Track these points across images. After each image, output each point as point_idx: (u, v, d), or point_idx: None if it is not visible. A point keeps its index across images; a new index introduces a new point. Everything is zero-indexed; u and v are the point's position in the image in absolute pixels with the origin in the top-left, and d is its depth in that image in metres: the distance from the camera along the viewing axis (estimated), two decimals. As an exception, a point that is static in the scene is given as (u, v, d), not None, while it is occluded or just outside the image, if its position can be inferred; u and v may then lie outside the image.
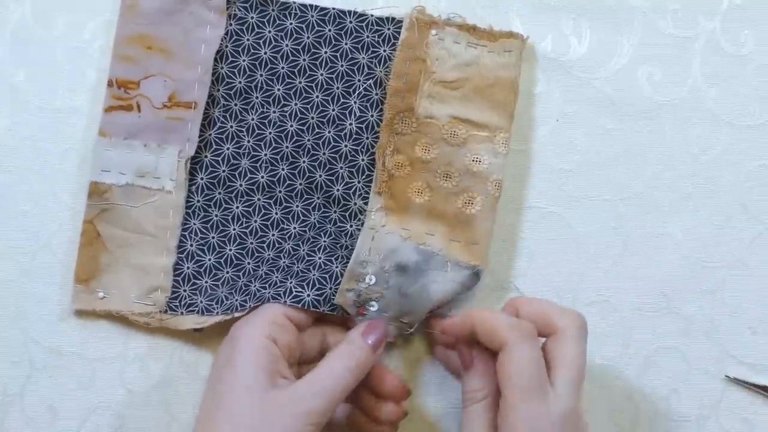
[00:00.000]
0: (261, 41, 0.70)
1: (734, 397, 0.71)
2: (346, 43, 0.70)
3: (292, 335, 0.65)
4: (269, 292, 0.67)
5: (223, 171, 0.70)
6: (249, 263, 0.70)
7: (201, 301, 0.69)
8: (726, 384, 0.71)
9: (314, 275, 0.67)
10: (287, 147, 0.70)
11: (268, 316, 0.65)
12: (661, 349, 0.71)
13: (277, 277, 0.68)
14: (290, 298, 0.66)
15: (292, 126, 0.70)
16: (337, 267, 0.68)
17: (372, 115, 0.70)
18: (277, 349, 0.63)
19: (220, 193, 0.70)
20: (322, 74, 0.70)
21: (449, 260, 0.67)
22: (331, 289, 0.67)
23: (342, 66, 0.70)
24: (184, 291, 0.70)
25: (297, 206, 0.70)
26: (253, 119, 0.70)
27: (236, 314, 0.67)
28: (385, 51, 0.70)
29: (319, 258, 0.69)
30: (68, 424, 0.70)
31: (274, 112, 0.70)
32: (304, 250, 0.69)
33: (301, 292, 0.66)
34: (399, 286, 0.67)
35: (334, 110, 0.70)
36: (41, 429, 0.70)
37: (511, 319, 0.61)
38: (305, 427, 0.60)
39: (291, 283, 0.67)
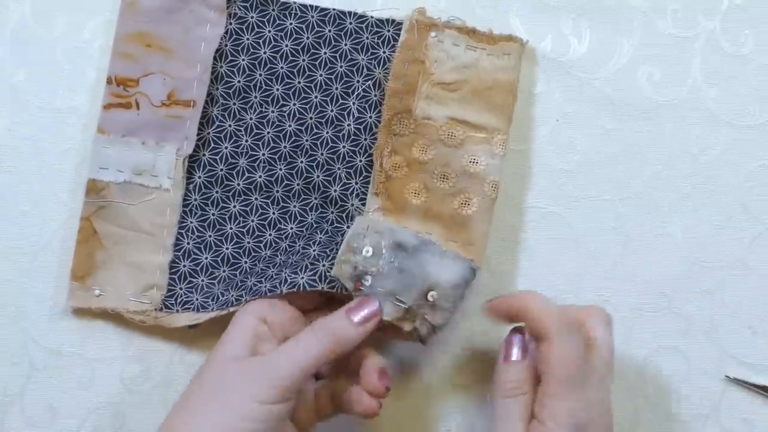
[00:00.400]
0: (261, 41, 0.70)
1: (734, 397, 0.71)
2: (345, 44, 0.70)
3: (285, 315, 0.66)
4: (265, 286, 0.67)
5: (221, 170, 0.70)
6: (246, 262, 0.70)
7: (197, 299, 0.70)
8: (726, 384, 0.71)
9: (307, 262, 0.67)
10: (285, 147, 0.70)
11: (265, 299, 0.66)
12: (661, 349, 0.71)
13: (273, 271, 0.69)
14: (286, 286, 0.66)
15: (290, 126, 0.70)
16: (331, 251, 0.67)
17: (370, 116, 0.70)
18: (265, 327, 0.64)
19: (217, 192, 0.71)
20: (321, 75, 0.70)
21: (447, 250, 0.67)
22: (324, 266, 0.66)
23: (341, 67, 0.70)
24: (180, 289, 0.70)
25: (294, 206, 0.71)
26: (251, 119, 0.71)
27: (231, 309, 0.67)
28: (384, 52, 0.70)
29: (314, 250, 0.69)
30: (68, 424, 0.70)
31: (273, 111, 0.70)
32: (299, 245, 0.70)
33: (294, 277, 0.66)
34: (396, 261, 0.66)
35: (332, 111, 0.70)
36: (41, 429, 0.70)
37: (556, 309, 0.62)
38: (273, 392, 0.60)
39: (285, 273, 0.67)
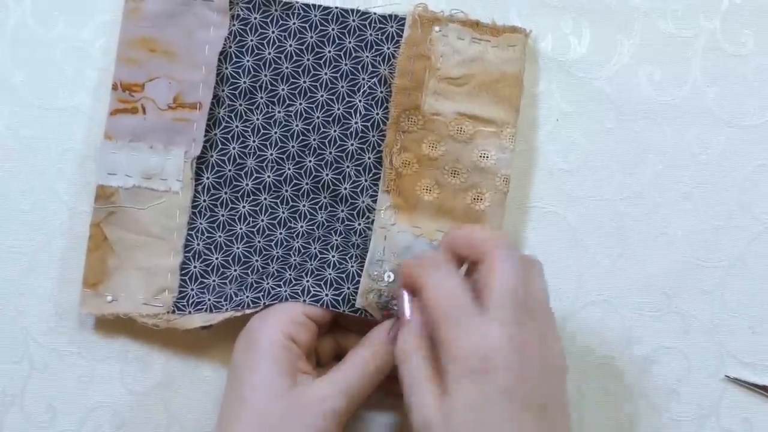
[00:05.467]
0: (265, 41, 0.73)
1: (734, 397, 0.74)
2: (349, 42, 0.73)
3: (311, 332, 0.68)
4: (286, 291, 0.70)
5: (229, 171, 0.73)
6: (257, 261, 0.73)
7: (209, 299, 0.72)
8: (726, 384, 0.74)
9: (330, 274, 0.71)
10: (293, 146, 0.73)
11: (287, 315, 0.68)
12: (661, 349, 0.74)
13: (290, 274, 0.71)
14: (309, 297, 0.69)
15: (297, 125, 0.73)
16: (352, 266, 0.71)
17: (377, 113, 0.73)
18: (296, 348, 0.66)
19: (226, 193, 0.73)
20: (326, 73, 0.73)
21: None
22: (348, 289, 0.70)
23: (346, 65, 0.73)
24: (192, 290, 0.72)
25: (304, 205, 0.73)
26: (258, 119, 0.73)
27: (247, 311, 0.70)
28: (388, 49, 0.73)
29: (333, 256, 0.72)
30: (68, 424, 0.73)
31: (279, 111, 0.73)
32: (315, 248, 0.73)
33: (319, 291, 0.69)
34: None
35: (339, 109, 0.73)
36: (41, 429, 0.73)
37: (426, 256, 0.65)
38: (332, 425, 0.64)
39: (308, 282, 0.70)
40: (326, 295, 0.70)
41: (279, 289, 0.70)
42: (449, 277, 0.62)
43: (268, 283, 0.72)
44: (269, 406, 0.64)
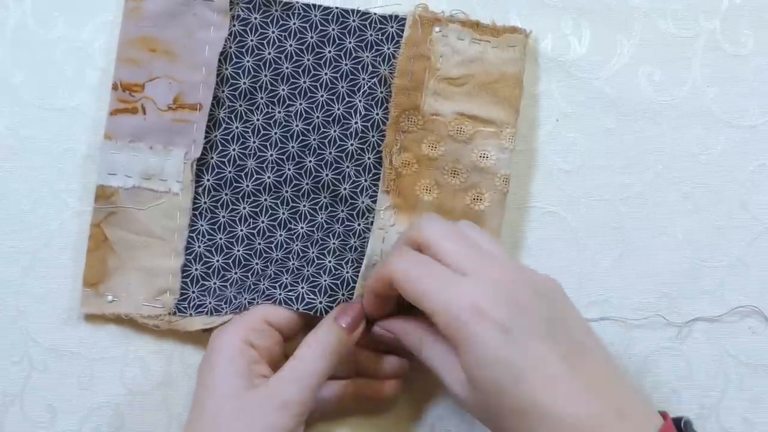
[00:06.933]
0: (265, 42, 0.74)
1: (734, 397, 0.75)
2: (349, 42, 0.74)
3: (272, 340, 0.69)
4: (281, 294, 0.71)
5: (230, 172, 0.74)
6: (257, 263, 0.74)
7: (210, 302, 0.73)
8: (726, 384, 0.75)
9: (325, 281, 0.71)
10: (293, 147, 0.74)
11: (246, 322, 0.69)
12: (661, 349, 0.75)
13: (287, 278, 0.72)
14: (303, 305, 0.70)
15: (297, 126, 0.74)
16: (348, 272, 0.72)
17: (377, 114, 0.74)
18: (254, 351, 0.67)
19: (226, 194, 0.74)
20: (326, 73, 0.74)
21: None
22: (343, 295, 0.71)
23: (346, 65, 0.74)
24: (193, 292, 0.73)
25: (304, 206, 0.74)
26: (258, 120, 0.74)
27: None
28: (389, 49, 0.74)
29: (329, 262, 0.73)
30: (68, 424, 0.74)
31: (279, 112, 0.74)
32: (313, 253, 0.74)
33: (313, 299, 0.70)
34: None
35: (339, 109, 0.74)
36: (41, 429, 0.73)
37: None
38: (285, 419, 0.64)
39: (303, 288, 0.71)
40: (320, 302, 0.71)
41: (274, 291, 0.72)
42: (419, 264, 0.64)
43: (264, 285, 0.73)
44: (223, 406, 0.65)
